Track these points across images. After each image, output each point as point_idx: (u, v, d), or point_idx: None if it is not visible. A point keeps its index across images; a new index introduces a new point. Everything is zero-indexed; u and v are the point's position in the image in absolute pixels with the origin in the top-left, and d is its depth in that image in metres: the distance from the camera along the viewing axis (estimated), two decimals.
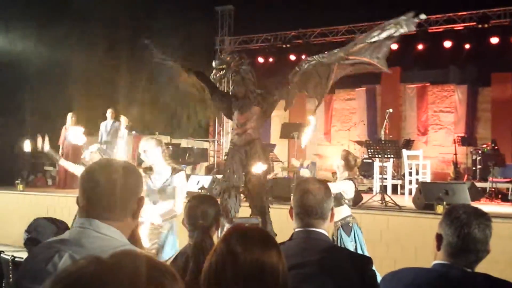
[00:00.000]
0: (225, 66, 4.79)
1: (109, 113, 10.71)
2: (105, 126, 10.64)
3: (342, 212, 5.14)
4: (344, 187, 5.18)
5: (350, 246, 4.94)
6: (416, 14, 4.98)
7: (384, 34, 5.00)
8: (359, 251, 4.93)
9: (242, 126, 4.96)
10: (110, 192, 1.70)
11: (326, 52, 5.10)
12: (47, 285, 0.79)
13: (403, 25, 4.96)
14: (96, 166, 1.77)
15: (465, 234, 1.98)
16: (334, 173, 6.08)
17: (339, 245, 4.93)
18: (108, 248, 1.53)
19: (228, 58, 4.86)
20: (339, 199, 5.06)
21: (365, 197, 7.97)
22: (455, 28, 13.30)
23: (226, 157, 5.56)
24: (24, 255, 2.52)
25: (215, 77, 4.89)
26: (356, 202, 7.33)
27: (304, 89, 5.28)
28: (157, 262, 0.87)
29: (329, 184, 4.68)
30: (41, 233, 2.98)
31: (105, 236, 1.65)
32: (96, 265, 0.81)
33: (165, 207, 4.44)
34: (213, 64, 4.85)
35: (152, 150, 4.59)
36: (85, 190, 1.73)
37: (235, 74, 4.88)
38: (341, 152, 5.46)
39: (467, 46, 13.24)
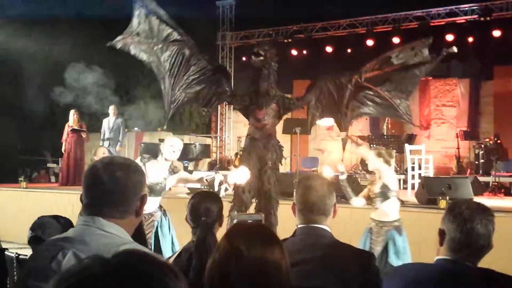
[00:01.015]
0: (263, 54, 4.97)
1: (111, 109, 10.72)
2: (108, 122, 10.64)
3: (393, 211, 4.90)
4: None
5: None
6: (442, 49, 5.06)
7: (399, 59, 4.98)
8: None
9: (260, 121, 5.14)
10: (113, 190, 1.70)
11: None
12: (52, 285, 0.80)
13: (419, 52, 4.99)
14: (99, 163, 1.77)
15: (468, 230, 1.98)
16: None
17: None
18: (112, 246, 1.54)
19: (267, 48, 5.06)
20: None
21: None
22: (457, 21, 13.25)
23: (242, 152, 5.59)
24: (28, 252, 2.54)
25: (254, 63, 5.05)
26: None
27: (322, 112, 5.36)
28: (160, 261, 0.88)
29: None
30: (45, 231, 2.99)
31: (108, 234, 1.65)
32: (100, 265, 0.81)
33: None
34: (255, 49, 5.05)
35: (180, 149, 4.87)
36: (89, 188, 1.74)
37: (265, 68, 5.04)
38: (373, 151, 5.05)
39: (469, 39, 13.20)
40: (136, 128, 15.67)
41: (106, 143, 10.34)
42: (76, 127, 10.48)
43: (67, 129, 10.57)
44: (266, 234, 1.52)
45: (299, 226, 2.34)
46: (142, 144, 11.32)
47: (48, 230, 2.97)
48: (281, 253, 1.49)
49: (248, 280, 1.41)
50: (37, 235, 2.97)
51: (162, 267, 0.85)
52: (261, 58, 4.98)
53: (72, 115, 10.56)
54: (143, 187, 1.81)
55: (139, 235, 2.22)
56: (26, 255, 3.24)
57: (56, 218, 3.15)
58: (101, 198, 1.71)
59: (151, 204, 4.67)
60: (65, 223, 3.08)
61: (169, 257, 2.71)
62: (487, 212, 2.05)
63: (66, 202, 8.58)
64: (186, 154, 10.76)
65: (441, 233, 2.08)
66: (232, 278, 1.41)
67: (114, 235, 1.66)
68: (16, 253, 3.68)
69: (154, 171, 4.73)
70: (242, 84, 18.85)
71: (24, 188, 9.63)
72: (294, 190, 2.45)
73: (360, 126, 14.52)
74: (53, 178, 13.87)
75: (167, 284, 0.82)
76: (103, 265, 0.81)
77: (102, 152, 5.69)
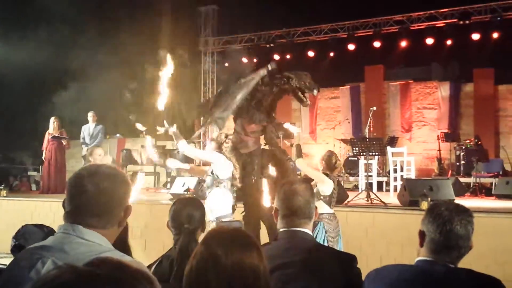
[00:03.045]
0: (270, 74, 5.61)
1: (90, 116, 10.59)
2: (88, 129, 10.52)
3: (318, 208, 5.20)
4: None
5: None
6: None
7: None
8: None
9: (253, 134, 5.69)
10: (97, 200, 1.68)
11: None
12: None
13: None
14: (85, 172, 1.73)
15: (448, 231, 2.00)
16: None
17: None
18: (92, 254, 1.52)
19: (275, 69, 5.72)
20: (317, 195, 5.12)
21: (351, 194, 8.01)
22: (437, 25, 13.42)
23: (237, 163, 5.68)
24: (7, 262, 2.49)
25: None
26: (342, 200, 7.36)
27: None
28: (135, 268, 0.87)
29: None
30: (29, 239, 2.93)
31: (88, 242, 1.63)
32: (70, 273, 0.80)
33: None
34: (269, 66, 5.75)
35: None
36: (72, 196, 1.71)
37: (271, 86, 5.66)
38: (325, 152, 5.48)
39: (448, 42, 13.38)
40: (118, 135, 15.55)
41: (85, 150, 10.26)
42: (56, 134, 10.37)
43: (47, 136, 10.44)
44: (244, 239, 1.51)
45: (281, 230, 2.34)
46: (124, 151, 11.24)
47: (32, 239, 2.93)
48: (259, 257, 1.48)
49: (226, 285, 1.39)
50: (20, 243, 2.92)
51: (134, 273, 0.84)
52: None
53: (52, 123, 10.44)
54: (128, 198, 1.78)
55: (123, 243, 2.19)
56: (5, 265, 3.19)
57: (40, 227, 3.10)
58: (85, 207, 1.68)
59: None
60: (49, 232, 3.03)
61: (150, 265, 2.68)
62: (466, 213, 2.07)
63: (47, 210, 8.47)
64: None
65: (421, 234, 2.09)
66: (209, 283, 1.40)
67: (95, 243, 1.64)
68: None
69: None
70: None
71: (4, 196, 9.48)
72: (276, 195, 2.45)
73: (343, 130, 14.62)
74: (33, 186, 13.69)
75: None
76: (74, 273, 0.80)
77: (98, 154, 5.57)
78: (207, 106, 5.94)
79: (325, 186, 5.15)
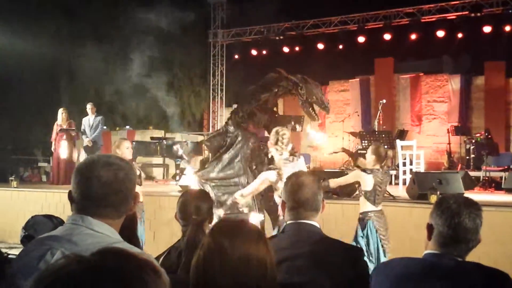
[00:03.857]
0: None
1: (89, 108, 10.62)
2: (88, 121, 10.55)
3: (363, 205, 5.07)
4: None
5: (361, 241, 4.90)
6: None
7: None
8: (372, 250, 4.87)
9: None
10: (106, 191, 1.67)
11: None
12: (31, 284, 0.80)
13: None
14: (95, 162, 1.72)
15: (456, 224, 1.99)
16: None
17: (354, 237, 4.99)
18: (100, 245, 1.51)
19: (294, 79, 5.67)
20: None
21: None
22: (448, 18, 13.30)
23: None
24: (18, 252, 2.51)
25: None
26: (350, 193, 7.35)
27: None
28: (140, 258, 0.87)
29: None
30: (38, 230, 2.95)
31: (97, 233, 1.63)
32: (77, 263, 0.81)
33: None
34: (284, 84, 5.73)
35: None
36: (81, 186, 1.70)
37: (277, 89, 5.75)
38: (371, 146, 5.32)
39: (460, 35, 13.26)
40: (127, 126, 15.62)
41: (90, 144, 10.34)
42: (64, 126, 10.42)
43: (56, 128, 10.51)
44: (250, 231, 1.51)
45: (288, 222, 2.34)
46: (134, 143, 11.28)
47: (41, 230, 2.94)
48: (265, 249, 1.48)
49: (232, 276, 1.40)
50: (30, 234, 2.94)
51: (141, 264, 0.84)
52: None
53: (61, 114, 10.50)
54: (134, 189, 1.78)
55: (131, 235, 2.19)
56: (15, 255, 3.22)
57: (50, 217, 3.11)
58: (93, 197, 1.67)
59: None
60: (58, 223, 3.04)
61: (159, 256, 2.70)
62: (474, 206, 2.05)
63: (57, 201, 8.54)
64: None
65: (429, 228, 2.09)
66: (216, 275, 1.41)
67: (104, 235, 1.64)
68: (6, 253, 3.64)
69: None
70: (233, 82, 18.87)
71: (14, 187, 9.57)
72: (283, 187, 2.45)
73: (352, 123, 14.57)
74: (44, 177, 13.80)
75: (146, 280, 0.82)
76: (80, 263, 0.81)
77: (126, 147, 5.50)
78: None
79: (364, 182, 5.01)
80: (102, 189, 1.67)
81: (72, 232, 1.64)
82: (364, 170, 5.09)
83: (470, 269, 1.98)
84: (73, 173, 1.76)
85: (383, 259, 4.82)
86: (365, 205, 5.00)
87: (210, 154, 6.15)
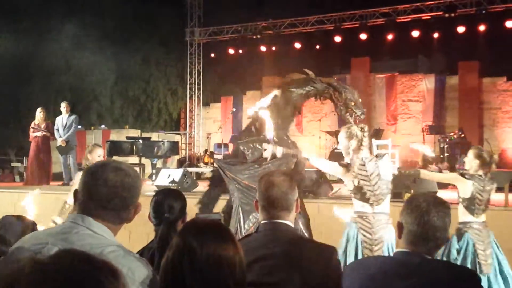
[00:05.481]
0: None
1: (63, 107, 10.47)
2: (61, 120, 10.39)
3: (462, 214, 4.48)
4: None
5: (454, 252, 4.37)
6: None
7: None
8: (469, 265, 4.21)
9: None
10: (111, 193, 1.69)
11: None
12: None
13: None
14: (105, 165, 1.76)
15: (425, 222, 2.02)
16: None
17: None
18: (97, 246, 1.56)
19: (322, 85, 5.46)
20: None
21: (336, 186, 8.04)
22: (423, 18, 13.49)
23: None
24: None
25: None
26: (326, 192, 7.40)
27: None
28: (97, 260, 0.87)
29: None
30: (8, 230, 2.95)
31: (95, 235, 1.65)
32: (31, 266, 0.80)
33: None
34: (318, 85, 5.49)
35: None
36: (88, 186, 1.72)
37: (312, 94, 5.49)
38: (472, 150, 4.67)
39: (434, 35, 13.48)
40: (103, 126, 15.44)
41: (64, 143, 10.18)
42: (42, 126, 10.26)
43: (32, 127, 10.35)
44: (219, 231, 1.52)
45: (261, 222, 2.34)
46: (109, 142, 11.16)
47: (11, 230, 2.94)
48: (235, 249, 1.48)
49: (201, 276, 1.40)
50: (1, 234, 2.93)
51: (98, 266, 0.84)
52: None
53: (39, 113, 10.33)
54: (139, 197, 1.82)
55: None
56: None
57: (21, 218, 3.11)
58: (99, 199, 1.69)
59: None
60: (28, 224, 3.04)
61: None
62: (443, 205, 2.09)
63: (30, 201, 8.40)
64: (154, 152, 10.64)
65: (399, 226, 2.11)
66: (185, 275, 1.41)
67: (101, 236, 1.66)
68: None
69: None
70: (210, 80, 18.76)
71: None
72: (257, 186, 2.45)
73: (329, 122, 14.66)
74: (17, 178, 13.56)
75: (102, 283, 0.82)
76: (35, 266, 0.80)
77: (98, 155, 5.43)
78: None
79: (461, 188, 4.46)
80: (108, 192, 1.69)
81: (70, 231, 1.66)
82: (463, 175, 4.51)
83: (438, 266, 2.02)
84: (82, 173, 1.82)
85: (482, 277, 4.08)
86: (464, 215, 4.43)
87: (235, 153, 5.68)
